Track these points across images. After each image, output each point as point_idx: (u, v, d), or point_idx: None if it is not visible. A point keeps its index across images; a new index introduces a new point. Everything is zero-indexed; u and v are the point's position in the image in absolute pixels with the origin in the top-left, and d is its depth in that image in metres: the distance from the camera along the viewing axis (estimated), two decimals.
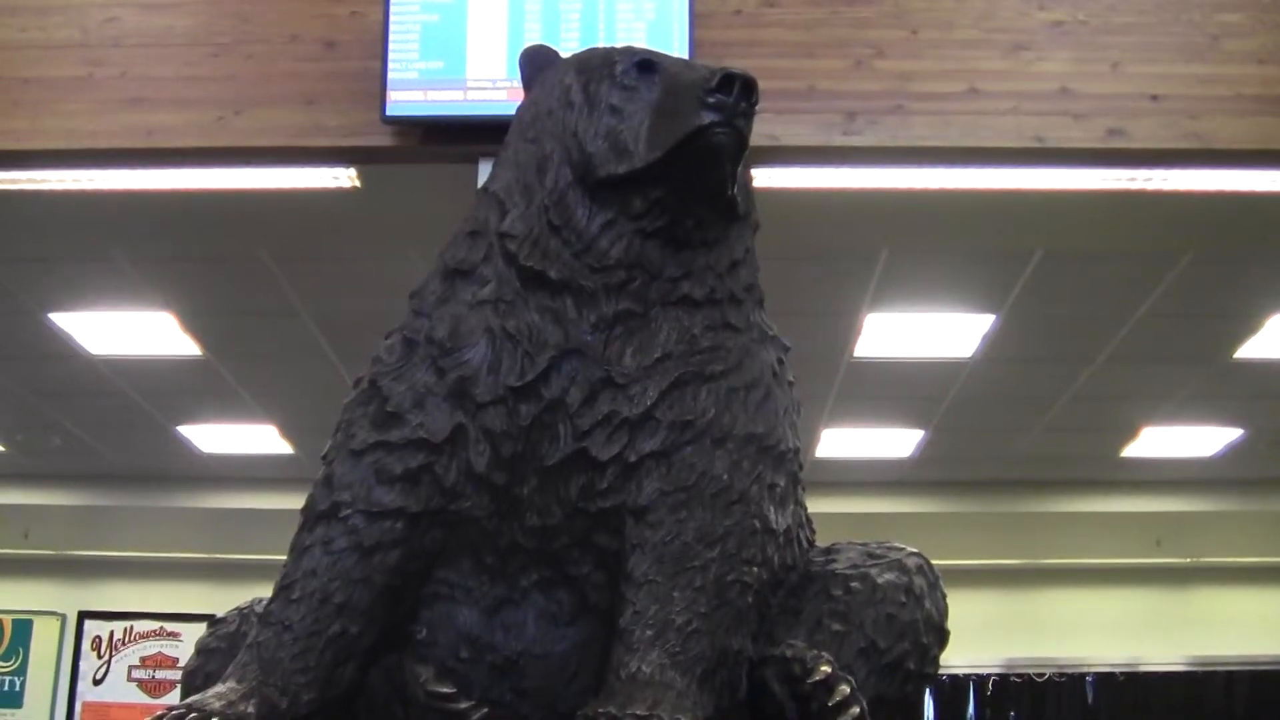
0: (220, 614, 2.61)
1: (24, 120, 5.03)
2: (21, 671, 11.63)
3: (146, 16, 5.13)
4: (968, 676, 11.16)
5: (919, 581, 2.38)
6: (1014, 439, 9.37)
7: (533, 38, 4.61)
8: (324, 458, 2.28)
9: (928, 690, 9.04)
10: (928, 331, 7.60)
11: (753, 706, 2.20)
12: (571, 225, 2.19)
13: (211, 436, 9.57)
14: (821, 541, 2.51)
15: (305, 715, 2.12)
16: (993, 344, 7.64)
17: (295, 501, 2.33)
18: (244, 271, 6.73)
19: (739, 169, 2.22)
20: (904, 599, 2.34)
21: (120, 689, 11.52)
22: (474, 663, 2.20)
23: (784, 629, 2.27)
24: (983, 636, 10.21)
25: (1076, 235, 6.05)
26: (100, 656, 11.62)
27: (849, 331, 7.49)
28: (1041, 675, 11.26)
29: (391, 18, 4.80)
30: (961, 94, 4.90)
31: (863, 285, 6.88)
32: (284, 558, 2.24)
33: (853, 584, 2.33)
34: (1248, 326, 7.40)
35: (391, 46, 4.77)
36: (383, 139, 4.88)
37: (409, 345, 2.24)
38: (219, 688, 2.10)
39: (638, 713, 1.89)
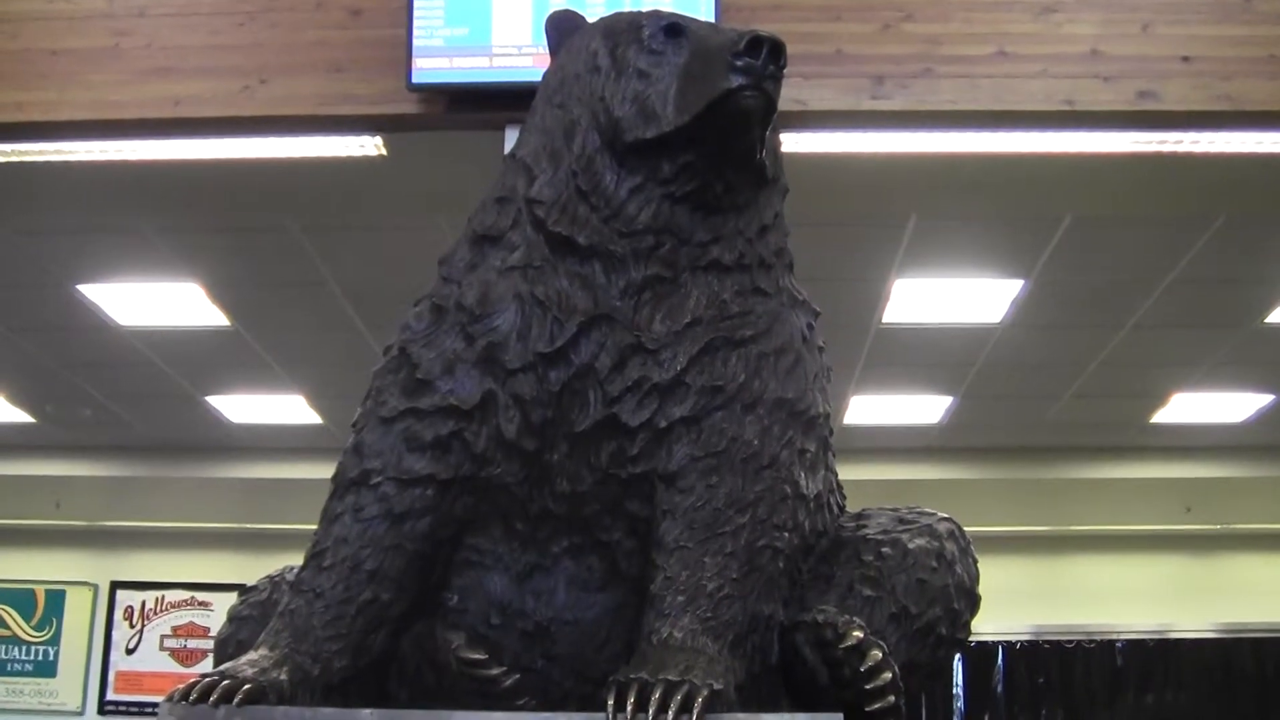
0: (251, 583, 2.61)
1: (51, 91, 5.04)
2: (55, 641, 11.73)
3: None
4: (997, 643, 11.16)
5: (950, 547, 2.38)
6: (1043, 405, 9.34)
7: (558, 3, 4.58)
8: (354, 425, 2.27)
9: (957, 656, 9.05)
10: (956, 297, 7.58)
11: (784, 672, 2.19)
12: (600, 190, 2.18)
13: (240, 407, 9.61)
14: (851, 508, 2.50)
15: (337, 682, 2.12)
16: (1022, 309, 7.62)
17: (324, 471, 2.33)
18: (271, 241, 6.75)
19: (768, 133, 2.20)
20: (935, 564, 2.33)
21: (153, 658, 11.62)
22: (505, 629, 2.21)
23: (815, 594, 2.26)
24: (1012, 603, 10.21)
25: (1107, 199, 6.01)
26: (132, 626, 11.72)
27: (877, 297, 7.47)
28: (1071, 642, 11.25)
29: None
30: (990, 57, 4.86)
31: (891, 250, 6.86)
32: (314, 526, 2.24)
33: (884, 549, 2.32)
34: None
35: (416, 13, 4.76)
36: (408, 106, 4.87)
37: (438, 312, 2.24)
38: (251, 655, 2.11)
39: (670, 678, 1.89)
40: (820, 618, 2.15)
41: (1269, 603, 11.05)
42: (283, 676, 2.03)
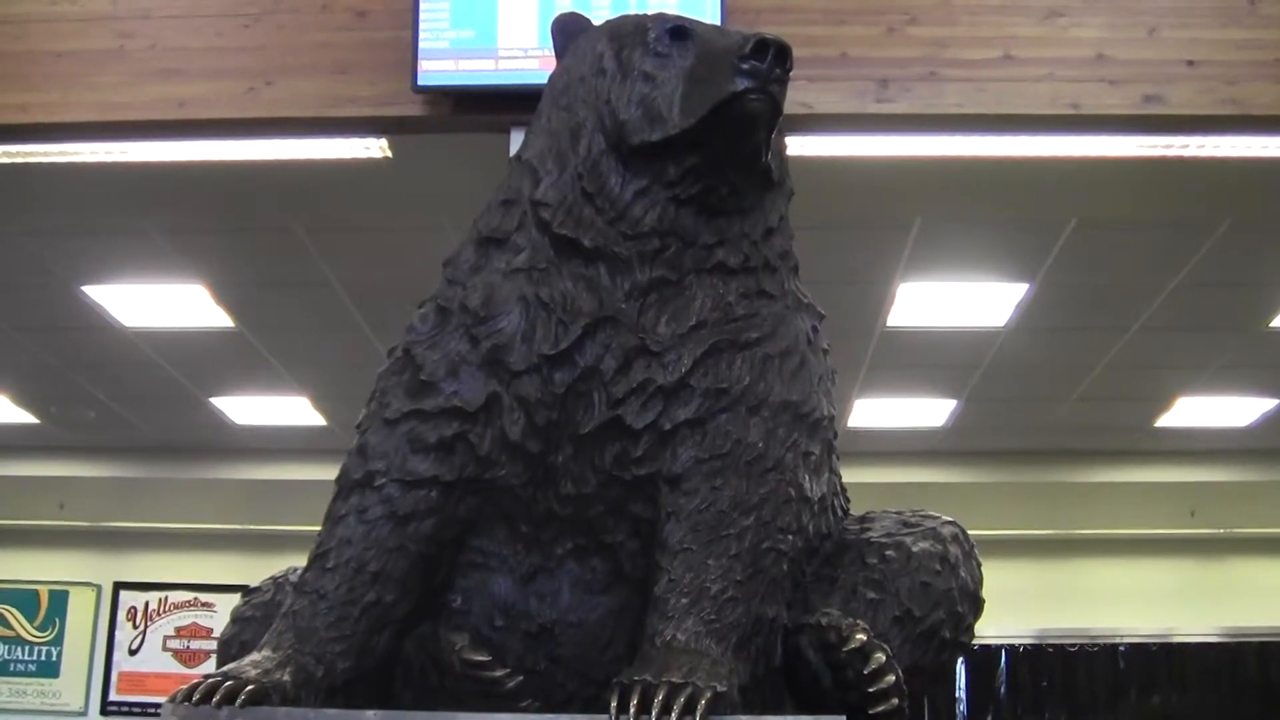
0: (254, 584, 2.61)
1: (56, 93, 5.04)
2: (58, 642, 11.73)
3: None
4: (1000, 646, 11.15)
5: (954, 550, 2.38)
6: (1048, 408, 9.33)
7: (564, 5, 4.59)
8: (358, 427, 2.28)
9: (960, 659, 9.04)
10: (961, 300, 7.57)
11: (788, 674, 2.19)
12: (605, 193, 2.18)
13: (244, 408, 9.61)
14: (855, 511, 2.50)
15: (341, 684, 2.12)
16: (1026, 313, 7.61)
17: (328, 472, 2.33)
18: (275, 243, 6.75)
19: (773, 136, 2.20)
20: (939, 567, 2.33)
21: (155, 659, 11.63)
22: (508, 631, 2.21)
23: (819, 597, 2.27)
24: (1016, 606, 10.18)
25: (1112, 203, 6.01)
26: (135, 627, 11.72)
27: (882, 300, 7.47)
28: (1074, 645, 11.24)
29: None
30: (996, 60, 4.86)
31: (896, 254, 6.85)
32: (318, 528, 2.24)
33: (888, 552, 2.32)
34: None
35: (422, 15, 4.76)
36: (414, 108, 4.88)
37: (443, 314, 2.24)
38: (254, 656, 2.11)
39: (673, 680, 1.88)
40: (824, 620, 2.15)
41: (1273, 606, 11.04)
42: (286, 677, 2.03)
